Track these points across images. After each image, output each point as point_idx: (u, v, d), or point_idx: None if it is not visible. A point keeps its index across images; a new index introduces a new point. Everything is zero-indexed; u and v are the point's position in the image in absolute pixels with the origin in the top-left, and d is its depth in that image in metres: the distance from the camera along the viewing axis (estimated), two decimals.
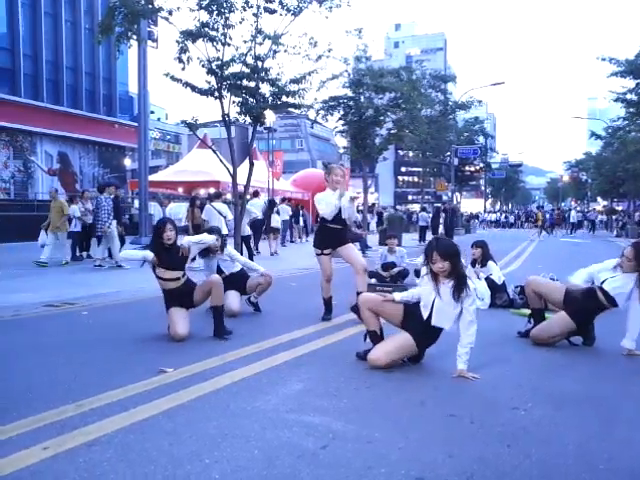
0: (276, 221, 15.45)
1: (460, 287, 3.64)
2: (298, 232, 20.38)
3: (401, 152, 62.13)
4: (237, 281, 5.83)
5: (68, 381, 3.42)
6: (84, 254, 11.82)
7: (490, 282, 6.61)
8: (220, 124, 14.97)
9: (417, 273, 7.69)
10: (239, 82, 10.81)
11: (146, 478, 2.20)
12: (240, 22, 10.62)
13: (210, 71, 10.62)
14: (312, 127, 29.75)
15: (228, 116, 11.17)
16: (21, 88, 22.09)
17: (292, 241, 18.99)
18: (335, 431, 2.68)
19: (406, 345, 3.77)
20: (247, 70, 10.79)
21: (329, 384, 3.43)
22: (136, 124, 17.96)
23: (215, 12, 10.28)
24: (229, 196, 17.04)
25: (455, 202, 32.23)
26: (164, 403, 3.03)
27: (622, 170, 28.70)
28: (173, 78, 10.73)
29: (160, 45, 18.09)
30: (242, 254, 8.86)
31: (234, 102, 11.08)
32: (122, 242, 11.15)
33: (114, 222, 10.41)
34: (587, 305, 4.43)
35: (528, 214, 35.77)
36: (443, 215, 21.28)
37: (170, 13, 10.39)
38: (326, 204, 5.27)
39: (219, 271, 5.75)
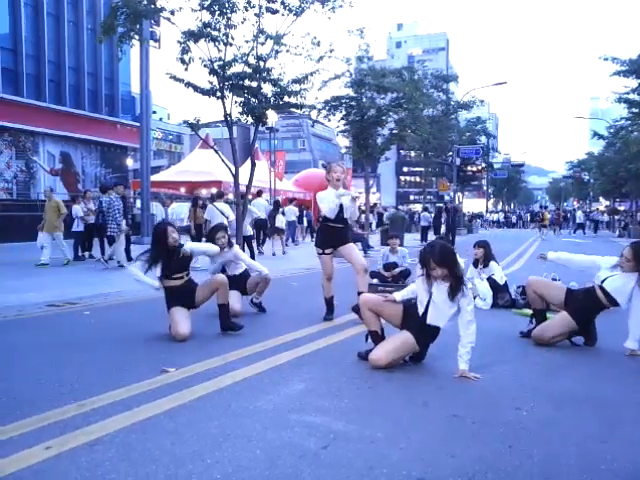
0: (280, 221, 15.50)
1: (456, 289, 3.64)
2: (301, 232, 20.42)
3: (403, 152, 62.10)
4: (238, 282, 5.84)
5: (70, 381, 3.43)
6: (86, 254, 11.83)
7: (492, 282, 6.60)
8: (222, 124, 14.99)
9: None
10: (241, 82, 10.82)
11: (148, 478, 2.20)
12: (242, 22, 10.63)
13: (212, 71, 10.63)
14: (313, 126, 29.71)
15: (230, 116, 11.18)
16: (24, 88, 22.14)
17: (293, 241, 19.00)
18: (337, 431, 2.68)
19: (407, 343, 3.77)
20: (249, 70, 10.79)
21: (331, 384, 3.43)
22: (138, 124, 17.98)
23: (217, 12, 10.29)
24: (231, 196, 17.08)
25: (457, 202, 32.20)
26: (166, 403, 3.04)
27: (624, 170, 28.65)
28: (175, 78, 10.75)
29: (162, 45, 18.13)
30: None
31: (236, 102, 11.09)
32: (127, 242, 11.15)
33: (123, 222, 10.41)
34: (587, 304, 4.44)
35: (533, 214, 35.69)
36: (445, 215, 21.25)
37: (172, 13, 10.40)
38: (327, 203, 5.27)
39: (222, 271, 5.76)
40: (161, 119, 43.32)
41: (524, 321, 5.06)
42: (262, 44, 10.80)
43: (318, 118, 19.30)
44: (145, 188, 15.51)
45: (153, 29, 15.43)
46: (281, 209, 16.51)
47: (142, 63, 15.53)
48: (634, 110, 23.72)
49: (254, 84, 10.94)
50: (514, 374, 3.73)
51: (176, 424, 2.74)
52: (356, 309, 4.74)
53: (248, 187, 11.46)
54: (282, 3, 10.67)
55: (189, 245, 5.02)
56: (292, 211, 18.04)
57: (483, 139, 39.95)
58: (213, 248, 5.22)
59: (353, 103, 18.78)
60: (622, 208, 42.79)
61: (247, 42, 10.78)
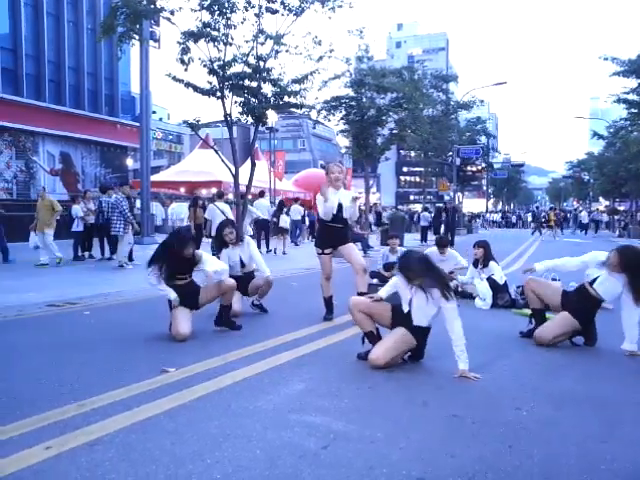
0: (284, 221, 15.55)
1: (443, 292, 3.67)
2: (304, 233, 20.47)
3: (403, 152, 62.11)
4: (240, 282, 5.82)
5: (70, 381, 3.43)
6: (86, 254, 11.83)
7: (492, 282, 6.61)
8: (222, 124, 14.99)
9: None
10: (241, 82, 10.82)
11: (148, 478, 2.20)
12: (242, 22, 10.63)
13: (212, 71, 10.64)
14: (314, 127, 29.71)
15: (230, 116, 11.18)
16: (23, 88, 22.11)
17: (293, 241, 19.01)
18: (337, 431, 2.68)
19: (404, 339, 3.79)
20: (249, 70, 10.80)
21: (331, 384, 3.43)
22: (138, 124, 17.97)
23: (217, 12, 10.29)
24: (231, 196, 17.08)
25: (457, 202, 32.19)
26: (166, 403, 3.04)
27: (624, 170, 28.65)
28: (175, 79, 10.75)
29: (162, 45, 18.12)
30: None
31: (236, 102, 11.09)
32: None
33: (134, 221, 10.40)
34: (584, 304, 4.46)
35: (534, 214, 35.64)
36: (444, 215, 21.24)
37: (172, 13, 10.41)
38: (323, 205, 5.28)
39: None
40: (161, 119, 43.30)
41: (524, 321, 5.07)
42: (262, 44, 10.80)
43: (318, 118, 19.33)
44: (145, 188, 15.51)
45: (153, 29, 15.42)
46: (285, 209, 16.57)
47: (142, 63, 15.51)
48: (633, 110, 23.73)
49: (254, 84, 10.94)
50: (514, 374, 3.73)
51: (176, 424, 2.74)
52: (350, 313, 4.74)
53: (248, 187, 11.46)
54: (282, 3, 10.67)
55: (205, 258, 4.93)
56: (297, 210, 18.14)
57: (483, 139, 39.96)
58: (224, 267, 5.05)
59: (353, 103, 18.79)
60: (622, 208, 42.79)
61: (247, 42, 10.78)
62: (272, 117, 18.35)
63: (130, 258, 10.38)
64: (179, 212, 22.89)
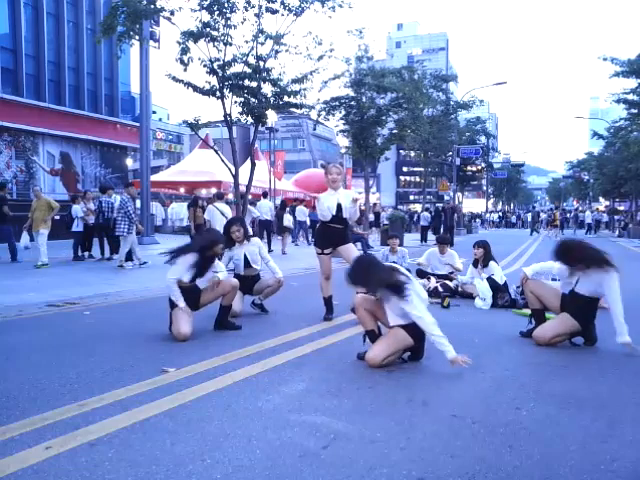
0: (288, 220, 15.62)
1: (396, 294, 3.73)
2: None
3: (403, 152, 62.09)
4: (243, 282, 5.82)
5: (70, 381, 3.43)
6: (86, 254, 11.83)
7: (492, 282, 6.61)
8: (222, 124, 15.00)
9: (418, 273, 7.71)
10: (241, 82, 10.83)
11: (148, 478, 2.20)
12: (242, 22, 10.64)
13: (212, 71, 10.65)
14: (314, 128, 29.68)
15: (230, 116, 11.19)
16: (23, 88, 22.11)
17: (294, 242, 19.02)
18: (337, 431, 2.68)
19: (400, 338, 3.80)
20: (249, 70, 10.81)
21: (331, 384, 3.43)
22: (138, 124, 17.97)
23: (217, 12, 10.30)
24: (231, 196, 17.09)
25: (457, 202, 32.19)
26: (166, 403, 3.04)
27: (624, 170, 28.66)
28: (175, 79, 10.76)
29: (162, 45, 18.12)
30: None
31: (236, 102, 11.11)
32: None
33: (137, 222, 10.40)
34: (580, 305, 4.45)
35: (533, 214, 35.60)
36: (443, 215, 21.24)
37: (172, 13, 10.42)
38: (320, 208, 5.32)
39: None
40: (161, 119, 43.29)
41: (524, 321, 5.06)
42: (262, 44, 10.81)
43: (318, 118, 19.32)
44: (145, 188, 15.50)
45: (153, 29, 15.42)
46: (288, 208, 16.65)
47: (142, 63, 15.50)
48: (633, 110, 23.74)
49: (254, 84, 10.95)
50: (514, 374, 3.73)
51: (176, 424, 2.74)
52: (355, 310, 4.74)
53: (248, 187, 11.47)
54: (282, 3, 10.68)
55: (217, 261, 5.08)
56: (302, 211, 18.20)
57: (483, 139, 39.99)
58: (225, 272, 5.19)
59: (353, 103, 18.79)
60: (622, 208, 42.78)
61: (247, 42, 10.80)
62: (272, 117, 18.35)
63: (130, 258, 10.37)
64: (179, 212, 22.90)
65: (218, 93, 10.91)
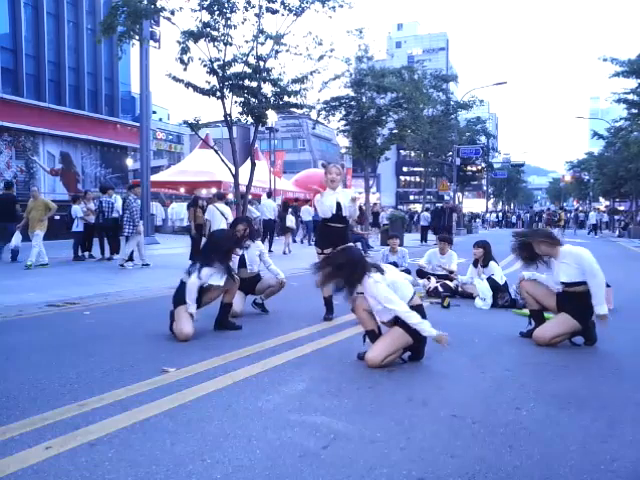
0: (290, 221, 15.67)
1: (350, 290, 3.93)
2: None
3: (403, 152, 62.12)
4: (243, 283, 5.82)
5: (70, 381, 3.43)
6: (86, 254, 11.83)
7: (492, 282, 6.61)
8: (222, 124, 15.00)
9: (419, 273, 7.71)
10: (241, 82, 10.83)
11: (148, 478, 2.20)
12: (242, 22, 10.65)
13: (212, 71, 10.65)
14: (314, 128, 29.70)
15: (230, 116, 11.19)
16: (23, 88, 22.10)
17: (294, 241, 19.06)
18: (337, 431, 2.68)
19: (399, 337, 3.80)
20: (249, 70, 10.81)
21: (331, 384, 3.43)
22: (138, 124, 17.97)
23: (217, 12, 10.30)
24: (231, 196, 17.10)
25: (457, 202, 32.18)
26: (166, 403, 3.04)
27: (624, 170, 28.64)
28: (175, 79, 10.76)
29: (162, 45, 18.13)
30: None
31: (236, 102, 11.11)
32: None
33: (140, 223, 10.41)
34: (576, 303, 4.45)
35: (537, 213, 35.53)
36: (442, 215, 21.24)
37: (172, 13, 10.43)
38: (320, 206, 5.32)
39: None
40: (161, 119, 43.29)
41: (524, 321, 5.06)
42: (262, 44, 10.82)
43: (318, 118, 19.34)
44: (145, 188, 15.50)
45: (153, 29, 15.43)
46: (290, 208, 16.72)
47: (142, 63, 15.51)
48: (633, 110, 23.74)
49: (254, 84, 10.96)
50: (514, 374, 3.73)
51: (176, 424, 2.74)
52: (355, 310, 4.74)
53: (248, 187, 11.47)
54: (282, 3, 10.69)
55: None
56: (307, 211, 18.23)
57: (483, 139, 39.99)
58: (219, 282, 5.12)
59: (353, 103, 18.81)
60: (622, 208, 42.76)
61: (247, 42, 10.80)
62: (272, 117, 18.36)
63: (131, 258, 10.38)
64: (179, 212, 22.91)
65: (218, 93, 10.91)
